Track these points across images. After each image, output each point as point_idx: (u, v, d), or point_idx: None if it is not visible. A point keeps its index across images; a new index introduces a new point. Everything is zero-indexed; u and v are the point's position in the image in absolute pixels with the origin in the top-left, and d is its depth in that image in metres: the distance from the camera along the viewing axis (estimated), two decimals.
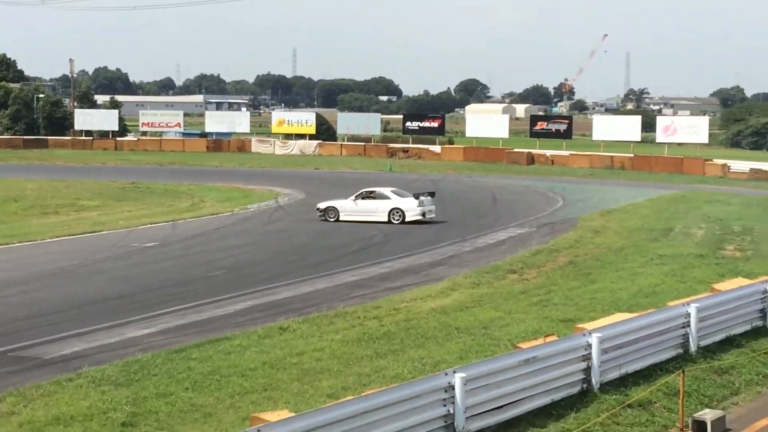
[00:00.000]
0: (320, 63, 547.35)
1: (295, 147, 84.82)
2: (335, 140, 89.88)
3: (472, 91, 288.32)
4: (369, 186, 41.67)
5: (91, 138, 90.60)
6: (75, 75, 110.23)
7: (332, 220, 38.09)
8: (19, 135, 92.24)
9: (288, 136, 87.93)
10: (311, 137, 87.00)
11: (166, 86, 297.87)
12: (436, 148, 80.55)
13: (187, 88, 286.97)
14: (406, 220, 37.45)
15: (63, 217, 40.36)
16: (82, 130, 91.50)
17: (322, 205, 39.11)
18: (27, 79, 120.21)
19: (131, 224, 37.28)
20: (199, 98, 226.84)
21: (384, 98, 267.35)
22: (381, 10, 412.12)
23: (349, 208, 38.31)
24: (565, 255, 28.60)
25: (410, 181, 58.22)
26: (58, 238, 33.61)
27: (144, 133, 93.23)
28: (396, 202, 38.10)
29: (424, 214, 37.85)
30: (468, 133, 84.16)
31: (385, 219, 37.62)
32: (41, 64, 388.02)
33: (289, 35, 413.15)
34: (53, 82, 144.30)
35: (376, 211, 38.05)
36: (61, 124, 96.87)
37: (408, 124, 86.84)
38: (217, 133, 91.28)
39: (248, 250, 31.23)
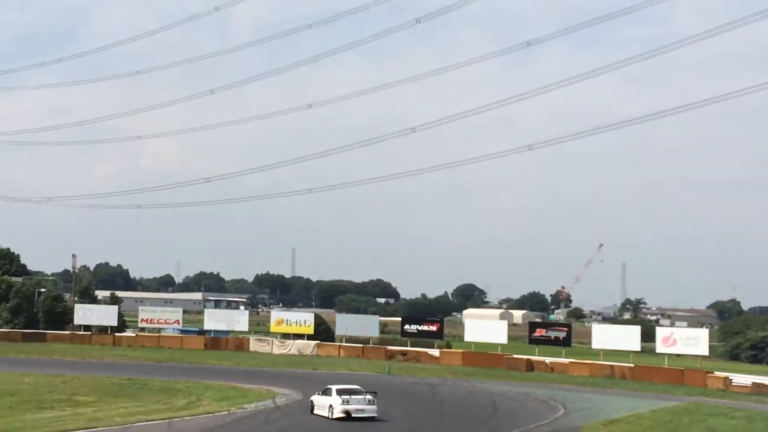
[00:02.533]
0: (319, 264, 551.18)
1: (293, 347, 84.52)
2: (333, 341, 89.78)
3: (469, 296, 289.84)
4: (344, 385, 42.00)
5: (90, 333, 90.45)
6: (77, 270, 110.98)
7: (311, 412, 40.89)
8: (19, 329, 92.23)
9: (286, 336, 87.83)
10: (309, 337, 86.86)
11: (165, 283, 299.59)
12: (435, 352, 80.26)
13: (187, 286, 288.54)
14: (333, 416, 39.00)
15: (58, 412, 39.74)
16: (81, 325, 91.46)
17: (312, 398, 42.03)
18: (29, 273, 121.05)
19: (127, 421, 36.73)
20: (198, 296, 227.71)
21: (382, 300, 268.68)
22: (380, 213, 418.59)
23: (316, 402, 41.08)
24: None
25: (409, 385, 57.82)
26: None
27: (143, 329, 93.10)
28: (332, 399, 39.70)
29: (348, 413, 38.91)
30: (466, 338, 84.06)
31: (326, 414, 39.62)
32: (44, 258, 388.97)
33: (288, 236, 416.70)
34: (55, 276, 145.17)
35: (324, 405, 40.05)
36: (61, 318, 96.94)
37: (406, 326, 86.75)
38: (216, 331, 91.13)
39: None
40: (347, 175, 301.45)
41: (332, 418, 38.82)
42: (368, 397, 39.57)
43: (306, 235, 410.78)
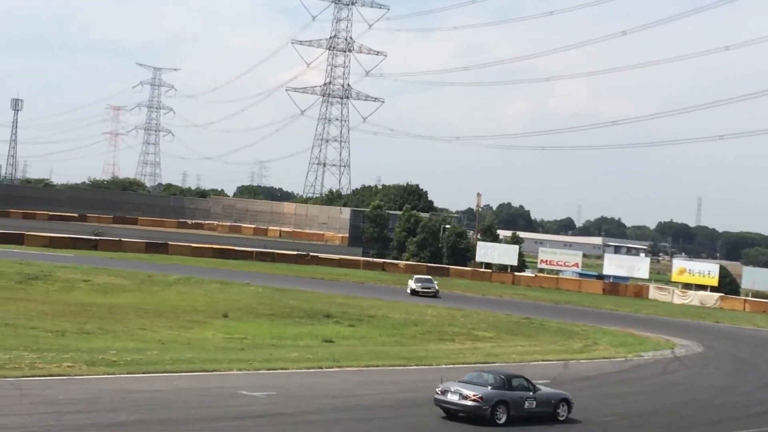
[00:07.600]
0: (726, 214, 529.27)
1: (695, 298, 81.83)
2: (738, 294, 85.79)
3: None
4: None
5: (490, 270, 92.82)
6: (480, 209, 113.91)
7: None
8: (424, 262, 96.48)
9: (688, 286, 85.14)
10: (713, 289, 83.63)
11: (565, 226, 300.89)
12: None
13: (587, 230, 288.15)
14: None
15: (458, 345, 41.20)
16: (482, 262, 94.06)
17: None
18: (435, 209, 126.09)
19: (523, 359, 37.34)
20: (597, 240, 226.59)
21: None
22: None
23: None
24: None
25: None
26: (452, 365, 34.26)
27: (541, 270, 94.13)
28: None
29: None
30: None
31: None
32: (449, 196, 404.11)
33: (694, 184, 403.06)
34: (459, 214, 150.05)
35: None
36: (463, 254, 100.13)
37: None
38: (615, 277, 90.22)
39: (641, 399, 30.07)
40: (763, 121, 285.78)
41: None
42: None
43: (714, 183, 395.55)
